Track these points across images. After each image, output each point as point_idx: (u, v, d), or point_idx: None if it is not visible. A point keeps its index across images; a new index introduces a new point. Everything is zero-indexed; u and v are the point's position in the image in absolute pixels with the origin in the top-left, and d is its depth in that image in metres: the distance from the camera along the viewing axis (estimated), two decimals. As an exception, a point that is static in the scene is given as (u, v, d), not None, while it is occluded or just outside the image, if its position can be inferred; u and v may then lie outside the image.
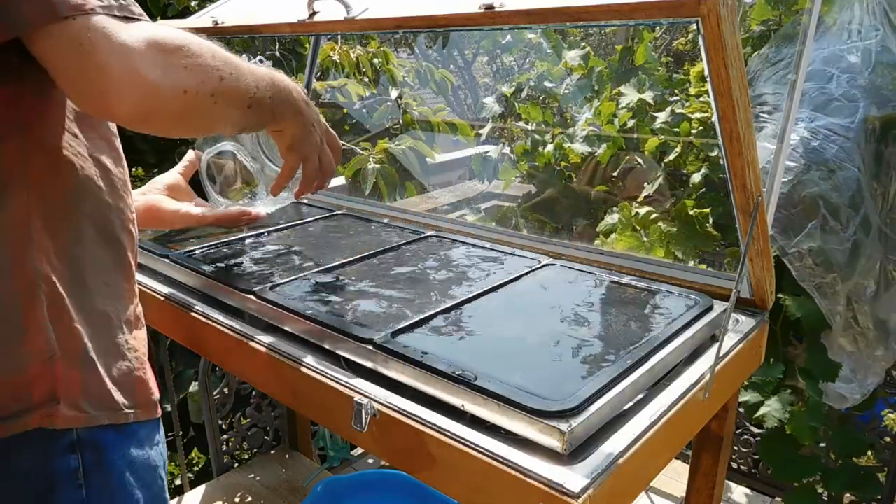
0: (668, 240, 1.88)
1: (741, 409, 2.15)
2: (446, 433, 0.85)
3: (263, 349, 1.10)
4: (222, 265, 1.35)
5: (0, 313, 0.75)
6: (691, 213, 1.90)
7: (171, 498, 2.12)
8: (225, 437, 2.28)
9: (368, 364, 0.99)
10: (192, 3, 2.96)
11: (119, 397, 0.85)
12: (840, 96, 1.60)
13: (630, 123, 2.45)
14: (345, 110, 3.00)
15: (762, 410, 1.62)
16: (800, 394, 1.68)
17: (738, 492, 2.28)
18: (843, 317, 1.59)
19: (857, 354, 1.63)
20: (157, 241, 1.51)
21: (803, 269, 1.53)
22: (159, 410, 0.95)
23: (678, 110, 2.26)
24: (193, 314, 1.25)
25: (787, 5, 1.97)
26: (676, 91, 2.44)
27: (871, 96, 1.60)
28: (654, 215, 2.00)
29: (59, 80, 0.69)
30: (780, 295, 1.62)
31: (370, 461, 2.52)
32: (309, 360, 1.05)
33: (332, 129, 1.13)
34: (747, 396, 1.66)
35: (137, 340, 0.92)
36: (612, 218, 2.18)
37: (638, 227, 1.99)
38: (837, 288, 1.55)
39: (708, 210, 1.91)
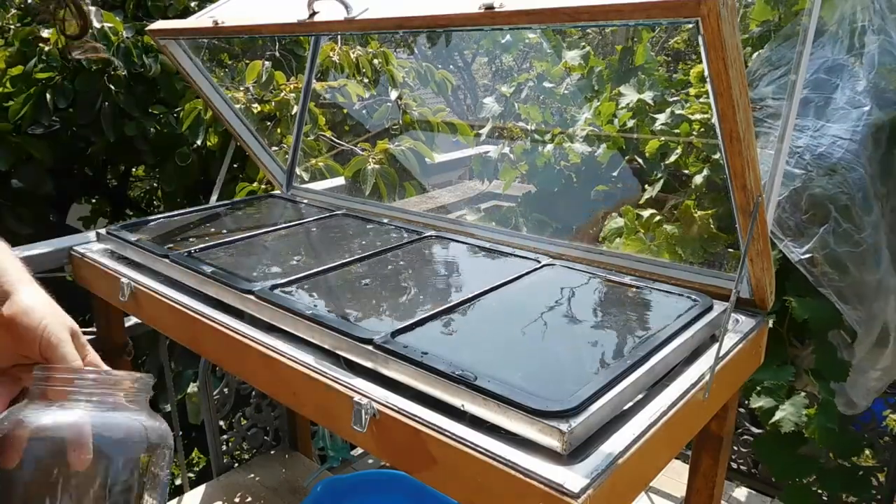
0: (675, 242, 1.87)
1: (742, 410, 2.16)
2: (446, 433, 0.85)
3: (263, 349, 1.10)
4: (222, 265, 1.35)
5: None
6: (696, 214, 1.89)
7: (171, 498, 2.12)
8: (225, 437, 2.28)
9: (368, 364, 0.99)
10: (192, 4, 2.96)
11: None
12: (845, 103, 1.59)
13: (630, 124, 2.45)
14: (345, 111, 3.00)
15: (777, 415, 1.61)
16: (810, 396, 1.67)
17: (738, 492, 2.28)
18: (878, 321, 1.57)
19: (882, 359, 1.62)
20: (156, 240, 1.51)
21: (820, 275, 1.52)
22: None
23: (678, 111, 2.26)
24: (193, 314, 1.25)
25: (787, 5, 1.97)
26: (674, 91, 2.44)
27: (874, 99, 1.60)
28: (657, 218, 1.99)
29: None
30: (785, 298, 1.61)
31: (370, 461, 2.52)
32: (309, 360, 1.05)
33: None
34: (761, 402, 1.65)
35: None
36: (614, 223, 2.18)
37: (641, 230, 1.99)
38: (861, 290, 1.53)
39: (713, 211, 1.90)
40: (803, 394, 1.64)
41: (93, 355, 0.77)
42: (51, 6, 2.30)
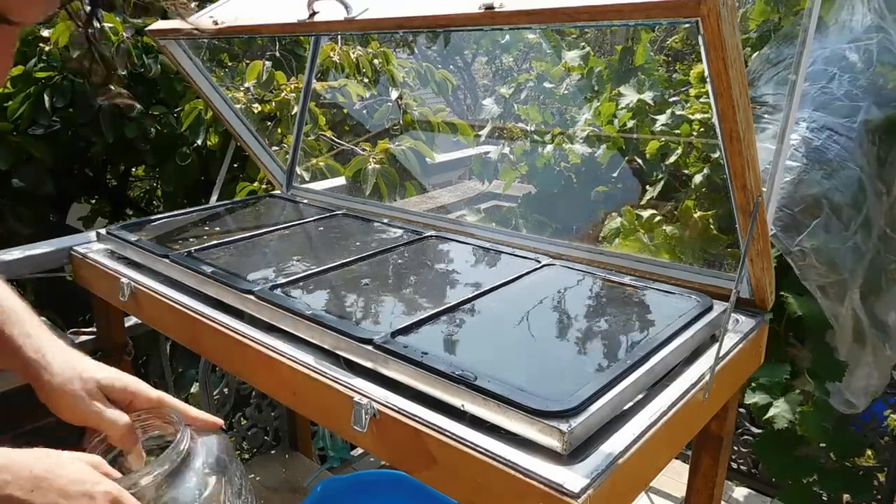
0: (674, 243, 1.87)
1: (742, 410, 2.16)
2: (446, 433, 0.85)
3: (263, 349, 1.10)
4: (222, 265, 1.35)
5: None
6: (696, 215, 1.89)
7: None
8: (225, 437, 2.28)
9: (368, 364, 0.99)
10: (193, 4, 2.96)
11: None
12: (842, 96, 1.59)
13: (630, 124, 2.45)
14: (345, 111, 3.00)
15: (771, 412, 1.61)
16: (805, 394, 1.67)
17: (738, 492, 2.28)
18: (848, 318, 1.58)
19: (863, 357, 1.63)
20: (156, 240, 1.51)
21: (807, 269, 1.53)
22: None
23: (678, 112, 2.26)
24: (193, 314, 1.25)
25: (787, 5, 1.97)
26: (674, 91, 2.44)
27: (872, 95, 1.60)
28: (657, 218, 1.99)
29: None
30: (782, 294, 1.61)
31: (370, 461, 2.52)
32: (309, 360, 1.05)
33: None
34: (755, 398, 1.65)
35: None
36: (614, 223, 2.18)
37: (641, 231, 1.98)
38: (844, 289, 1.54)
39: (712, 212, 1.90)
40: (798, 391, 1.64)
41: (143, 394, 0.84)
42: (76, 55, 2.30)
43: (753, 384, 1.66)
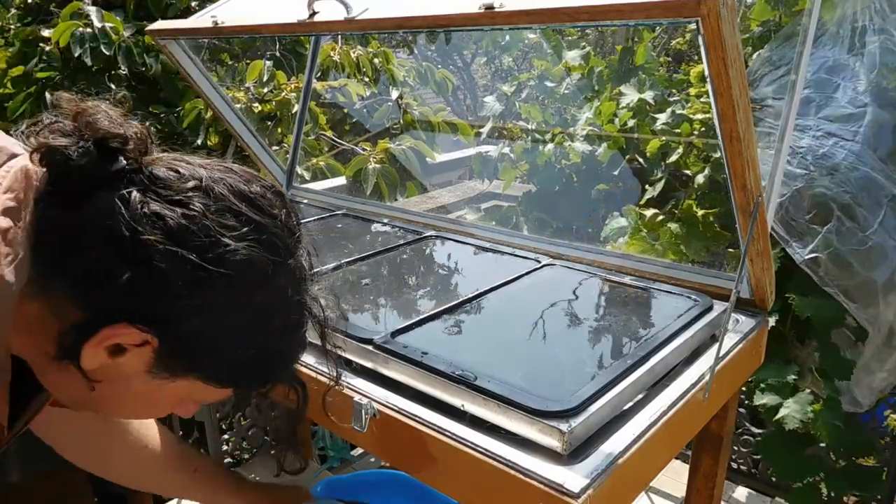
0: (679, 241, 1.87)
1: (742, 410, 2.16)
2: (446, 433, 0.85)
3: (263, 349, 1.10)
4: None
5: None
6: (699, 213, 1.88)
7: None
8: (225, 437, 2.28)
9: (368, 364, 0.99)
10: (193, 3, 2.96)
11: None
12: (847, 103, 1.59)
13: (630, 123, 2.45)
14: (345, 110, 3.00)
15: (781, 412, 1.61)
16: (812, 394, 1.67)
17: (739, 492, 2.28)
18: (884, 320, 1.56)
19: (891, 360, 1.61)
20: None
21: (824, 275, 1.52)
22: None
23: (679, 111, 2.26)
24: (193, 314, 1.24)
25: (787, 6, 1.97)
26: (675, 91, 2.44)
27: (876, 98, 1.59)
28: (660, 217, 1.98)
29: None
30: (787, 295, 1.61)
31: (370, 461, 2.52)
32: (309, 360, 1.04)
33: None
34: (765, 399, 1.64)
35: None
36: (615, 222, 2.17)
37: (644, 230, 1.98)
38: (872, 289, 1.52)
39: (715, 210, 1.89)
40: (807, 391, 1.63)
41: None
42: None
43: (763, 385, 1.65)
